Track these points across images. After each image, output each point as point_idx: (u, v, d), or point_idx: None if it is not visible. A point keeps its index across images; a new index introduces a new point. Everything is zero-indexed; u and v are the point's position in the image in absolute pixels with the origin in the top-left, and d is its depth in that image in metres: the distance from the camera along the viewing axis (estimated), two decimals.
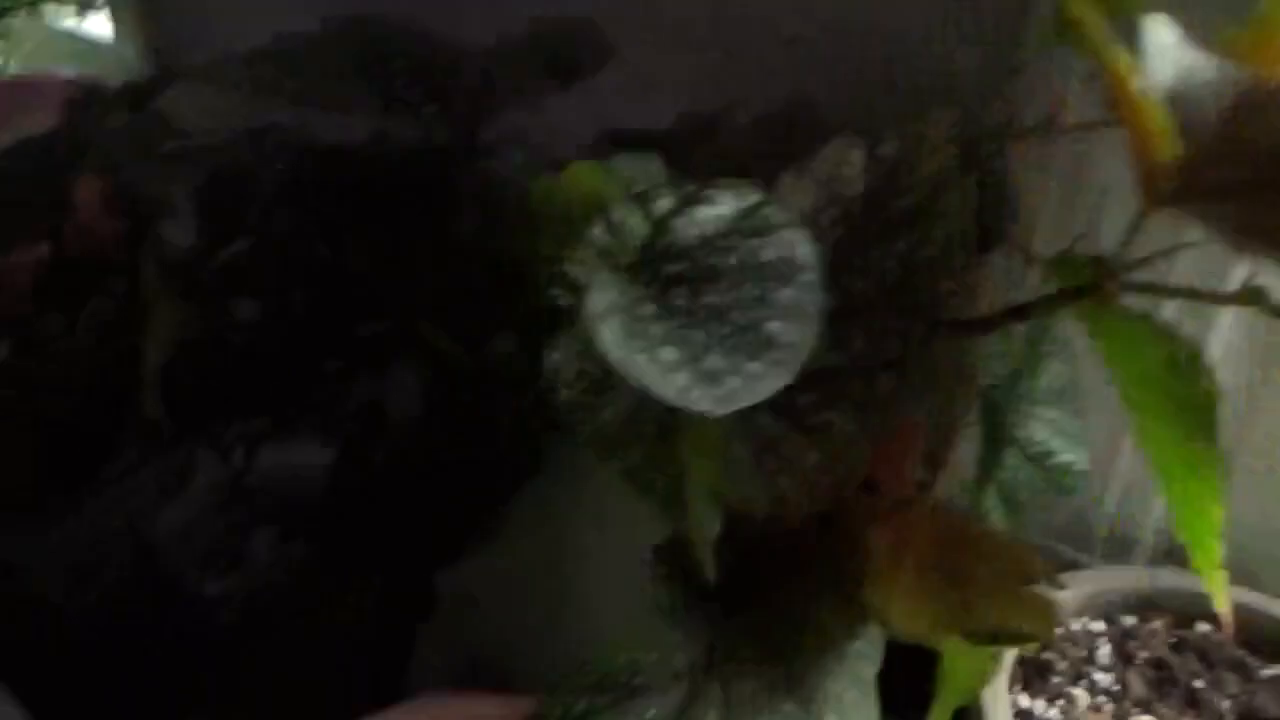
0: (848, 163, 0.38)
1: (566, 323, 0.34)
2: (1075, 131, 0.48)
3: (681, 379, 0.27)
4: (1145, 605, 0.54)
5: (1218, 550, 0.38)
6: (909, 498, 0.35)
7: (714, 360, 0.27)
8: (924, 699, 0.44)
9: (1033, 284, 0.50)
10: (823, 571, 0.39)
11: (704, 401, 0.26)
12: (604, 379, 0.33)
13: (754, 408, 0.36)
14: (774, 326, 0.28)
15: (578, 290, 0.34)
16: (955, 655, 0.45)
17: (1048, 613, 0.32)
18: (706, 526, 0.30)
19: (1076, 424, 0.52)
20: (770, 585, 0.38)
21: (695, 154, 0.54)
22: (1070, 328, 0.50)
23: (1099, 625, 0.52)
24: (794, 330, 0.28)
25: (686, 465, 0.31)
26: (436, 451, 0.41)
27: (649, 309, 0.28)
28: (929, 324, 0.36)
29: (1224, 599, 0.37)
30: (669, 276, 0.30)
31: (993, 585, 0.33)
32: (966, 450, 0.49)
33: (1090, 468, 0.50)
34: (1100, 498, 0.58)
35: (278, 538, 0.46)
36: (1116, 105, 0.30)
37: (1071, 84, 0.49)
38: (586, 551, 0.50)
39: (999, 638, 0.34)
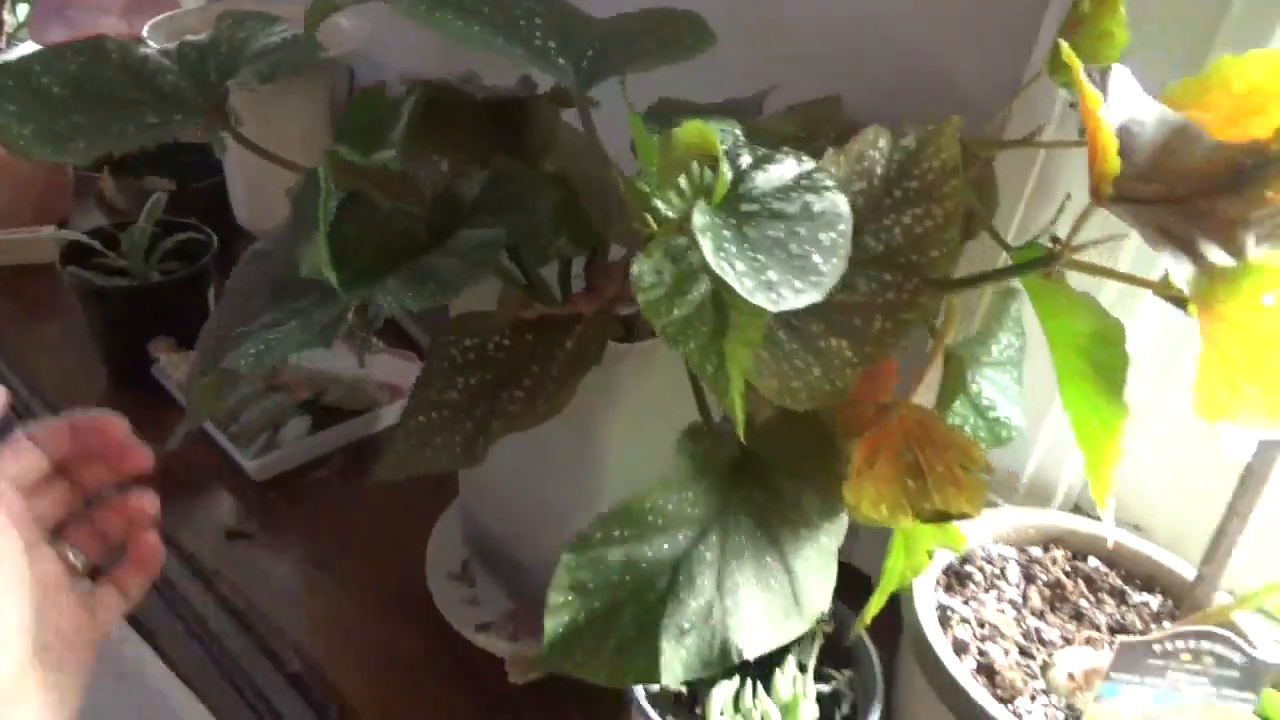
0: (876, 147, 0.48)
1: (650, 242, 0.44)
2: (1054, 147, 0.59)
3: (749, 283, 0.37)
4: (1050, 540, 0.66)
5: (1111, 483, 0.50)
6: (889, 402, 0.46)
7: (771, 275, 0.38)
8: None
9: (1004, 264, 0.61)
10: (810, 468, 0.50)
11: (762, 299, 0.37)
12: (676, 286, 0.43)
13: (777, 328, 0.47)
14: (816, 258, 0.39)
15: (662, 220, 0.45)
16: (898, 556, 0.56)
17: (980, 494, 0.43)
18: (739, 397, 0.41)
19: (1017, 389, 0.64)
20: (770, 472, 0.49)
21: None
22: (1024, 307, 0.62)
23: (1011, 551, 0.64)
24: (830, 263, 0.39)
25: (730, 355, 0.42)
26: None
27: (729, 234, 0.39)
28: (920, 279, 0.47)
29: (1110, 516, 0.49)
30: (745, 213, 0.40)
31: (945, 474, 0.44)
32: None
33: (1023, 428, 0.62)
34: (1027, 455, 0.70)
35: None
36: (1086, 128, 0.40)
37: (1055, 110, 0.60)
38: (605, 444, 0.61)
39: (943, 516, 0.45)
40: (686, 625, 0.41)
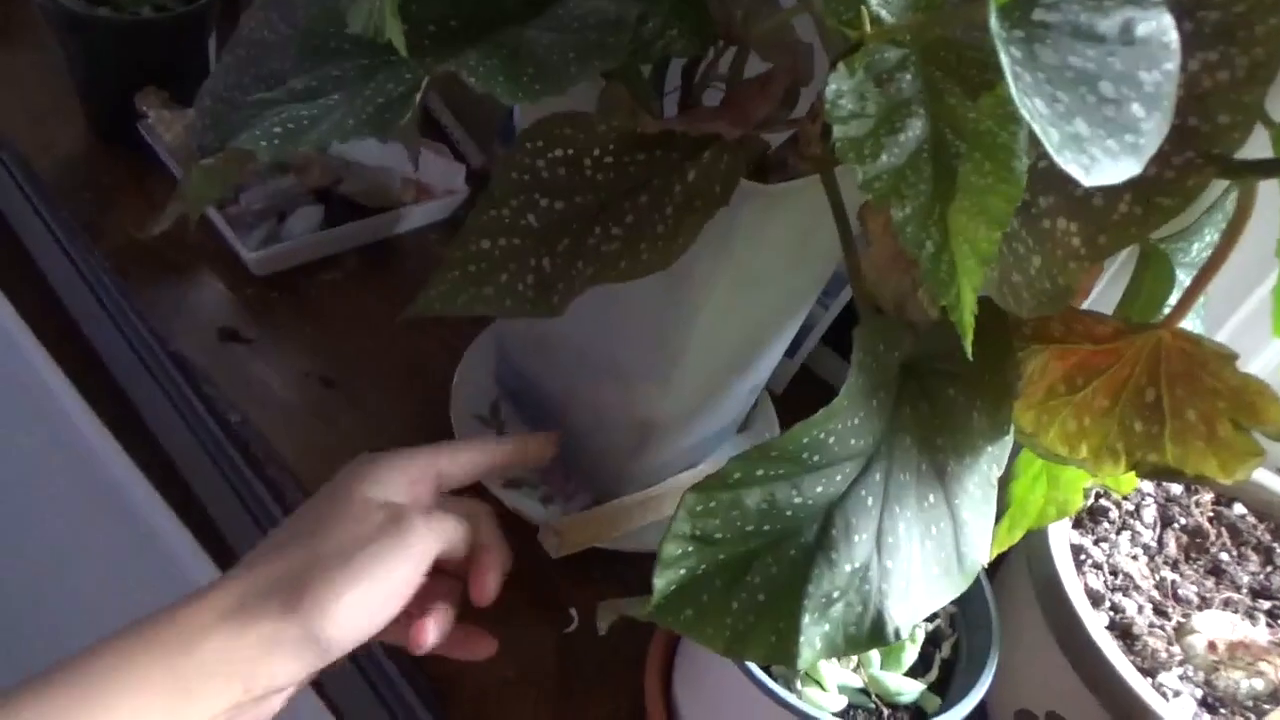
0: None
1: (856, 52, 0.31)
2: None
3: (1055, 136, 0.24)
4: (1194, 478, 0.56)
5: None
6: (1143, 323, 0.34)
7: (1079, 126, 0.25)
8: None
9: None
10: (984, 379, 0.38)
11: (1074, 165, 0.24)
12: (885, 120, 0.31)
13: None
14: (1136, 109, 0.26)
15: (874, 18, 0.31)
16: (1032, 486, 0.46)
17: (1249, 462, 0.32)
18: (970, 296, 0.29)
19: (1201, 298, 0.52)
20: (939, 380, 0.38)
21: None
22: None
23: (1149, 486, 0.55)
24: (1153, 118, 0.26)
25: (958, 233, 0.29)
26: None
27: (1018, 53, 0.26)
28: (1198, 155, 0.34)
29: None
30: (1037, 24, 0.27)
31: (1197, 425, 0.33)
32: None
33: None
34: None
35: None
36: None
37: None
38: (700, 303, 0.49)
39: (1170, 474, 0.34)
40: (835, 593, 0.31)
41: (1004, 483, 0.47)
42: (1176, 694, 0.44)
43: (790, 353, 0.72)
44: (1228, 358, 0.32)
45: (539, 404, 0.63)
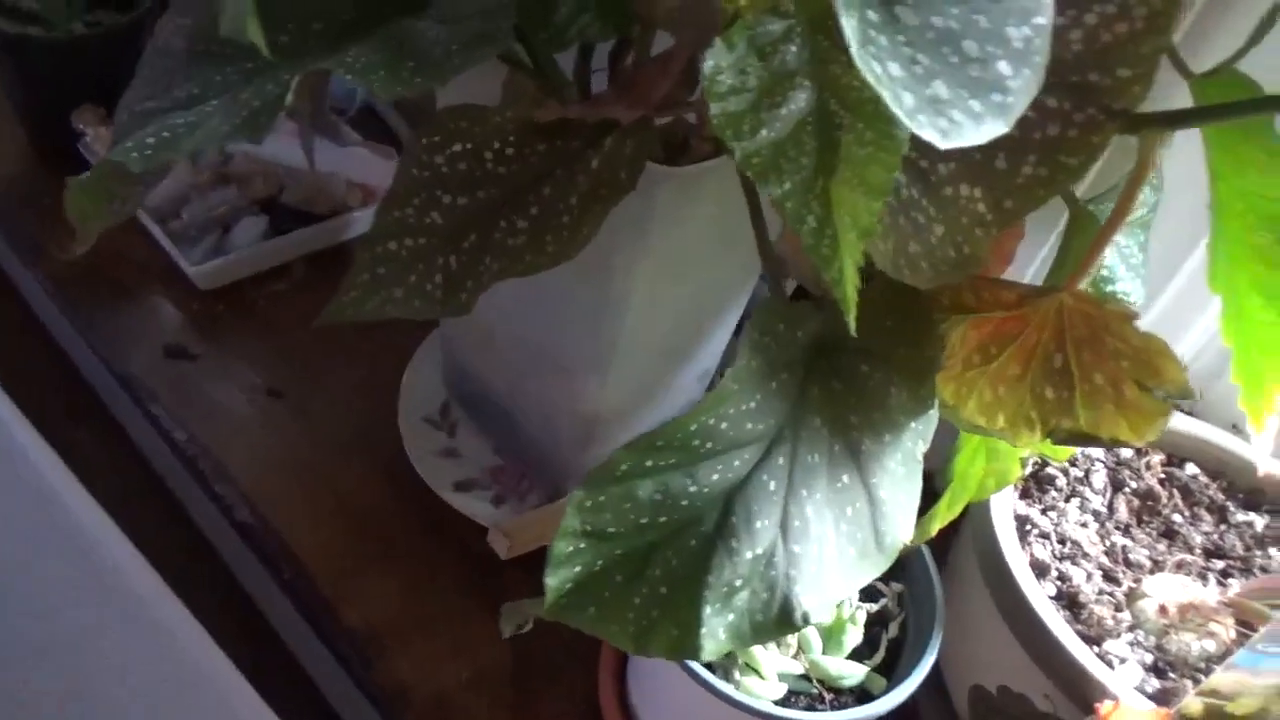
0: None
1: (734, 24, 0.30)
2: None
3: (910, 100, 0.24)
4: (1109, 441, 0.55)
5: (1275, 397, 0.39)
6: (1045, 286, 0.33)
7: (939, 88, 0.24)
8: None
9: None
10: (900, 352, 0.38)
11: (929, 130, 0.24)
12: (765, 93, 0.30)
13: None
14: (1003, 67, 0.25)
15: None
16: (973, 459, 0.46)
17: (1156, 422, 0.32)
18: (851, 269, 0.28)
19: (1142, 258, 0.51)
20: (852, 356, 0.37)
21: None
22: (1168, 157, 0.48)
23: (1098, 452, 0.54)
24: (1021, 75, 0.25)
25: (840, 204, 0.29)
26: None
27: (875, 16, 0.25)
28: (1099, 111, 0.34)
29: (1267, 440, 0.38)
30: None
31: (1105, 388, 0.32)
32: None
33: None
34: None
35: None
36: None
37: None
38: (626, 290, 0.48)
39: (1086, 439, 0.34)
40: (738, 581, 0.30)
41: (946, 458, 0.46)
42: (1122, 661, 0.43)
43: None
44: (1127, 317, 0.32)
45: (487, 403, 0.63)
